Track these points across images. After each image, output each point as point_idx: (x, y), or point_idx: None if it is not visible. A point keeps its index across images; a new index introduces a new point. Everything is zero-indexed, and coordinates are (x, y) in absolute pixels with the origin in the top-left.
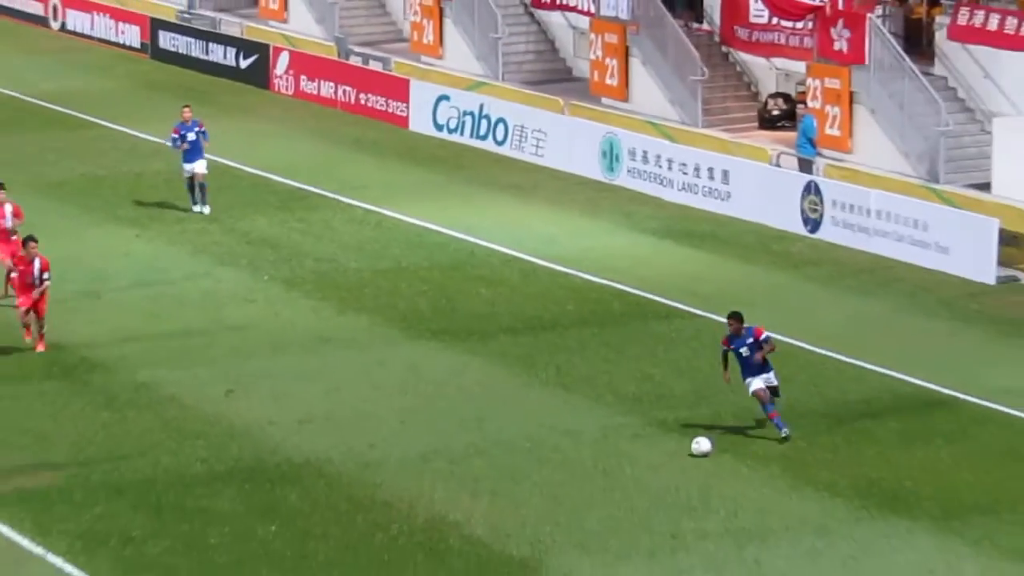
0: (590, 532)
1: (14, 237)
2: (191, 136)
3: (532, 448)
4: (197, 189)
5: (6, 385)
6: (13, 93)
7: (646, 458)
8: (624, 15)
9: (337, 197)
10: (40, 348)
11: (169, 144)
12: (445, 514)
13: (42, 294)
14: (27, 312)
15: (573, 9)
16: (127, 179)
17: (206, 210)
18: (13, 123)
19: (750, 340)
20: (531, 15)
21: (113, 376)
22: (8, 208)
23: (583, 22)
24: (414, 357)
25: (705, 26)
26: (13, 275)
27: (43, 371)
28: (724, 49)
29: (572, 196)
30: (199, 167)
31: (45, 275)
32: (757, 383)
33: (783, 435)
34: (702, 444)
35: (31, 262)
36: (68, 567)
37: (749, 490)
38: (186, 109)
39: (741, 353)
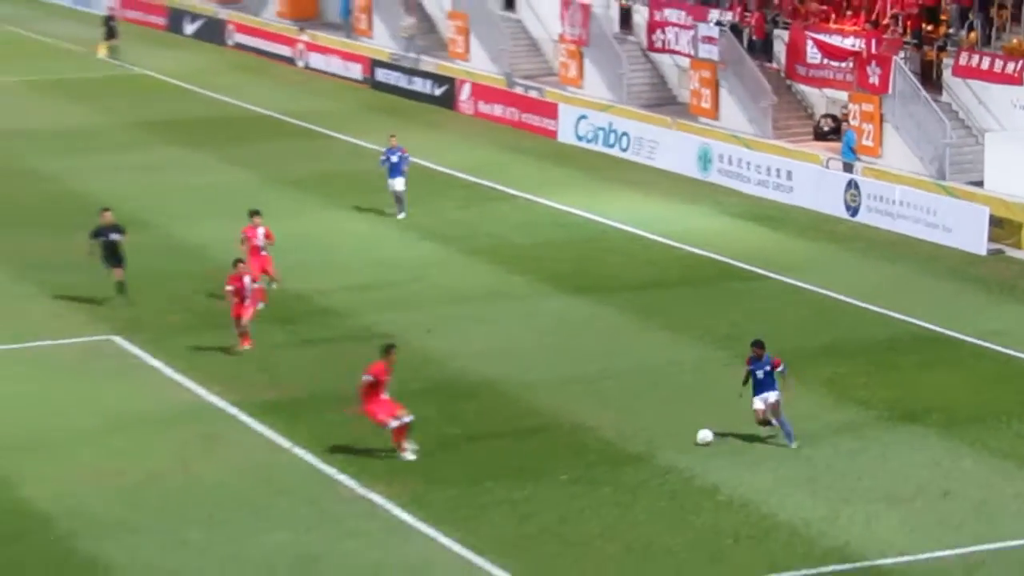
0: (689, 436)
1: (263, 253)
2: (394, 159)
3: (648, 377)
4: (399, 200)
5: (260, 325)
6: (269, 112)
7: (731, 383)
8: (715, 57)
9: (505, 189)
10: (246, 345)
11: (380, 161)
12: (583, 421)
13: (253, 302)
14: (240, 320)
15: (678, 52)
16: (350, 175)
17: (402, 215)
18: (268, 134)
19: (768, 367)
20: (647, 56)
21: (342, 320)
22: (261, 231)
23: (685, 62)
24: (560, 307)
25: (774, 65)
26: (229, 288)
27: (289, 317)
28: (788, 82)
29: (677, 189)
30: (399, 184)
31: (253, 283)
32: (758, 403)
33: (791, 444)
34: (705, 435)
35: (242, 278)
36: (308, 456)
37: (805, 405)
38: (392, 138)
39: (757, 375)
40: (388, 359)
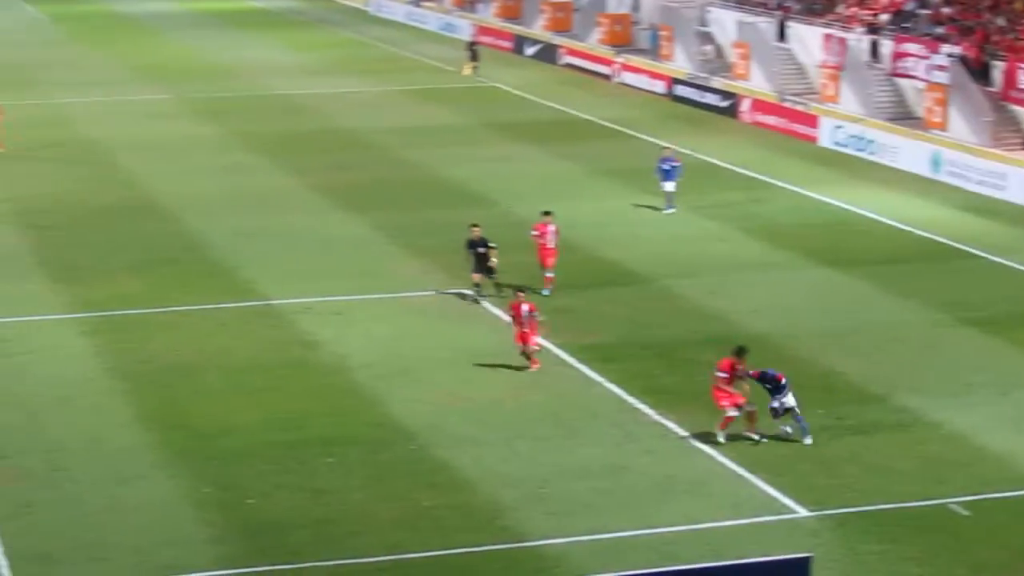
0: (920, 382)
1: (550, 247)
2: (665, 167)
3: (886, 333)
4: (669, 198)
5: (572, 280)
6: (590, 118)
7: (954, 339)
8: (945, 81)
9: (775, 182)
10: (535, 367)
11: (655, 169)
12: (833, 367)
13: (532, 327)
14: (525, 345)
15: (915, 77)
16: (646, 170)
17: (669, 211)
18: (588, 135)
19: (770, 382)
20: (891, 81)
21: (645, 282)
22: (552, 228)
23: (920, 84)
24: (817, 276)
25: (992, 88)
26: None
27: (605, 280)
28: (1002, 102)
29: (913, 186)
30: (669, 187)
31: (535, 314)
32: (785, 401)
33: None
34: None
35: (520, 307)
36: (616, 389)
37: (1014, 361)
38: (666, 149)
39: (767, 387)
40: (737, 359)
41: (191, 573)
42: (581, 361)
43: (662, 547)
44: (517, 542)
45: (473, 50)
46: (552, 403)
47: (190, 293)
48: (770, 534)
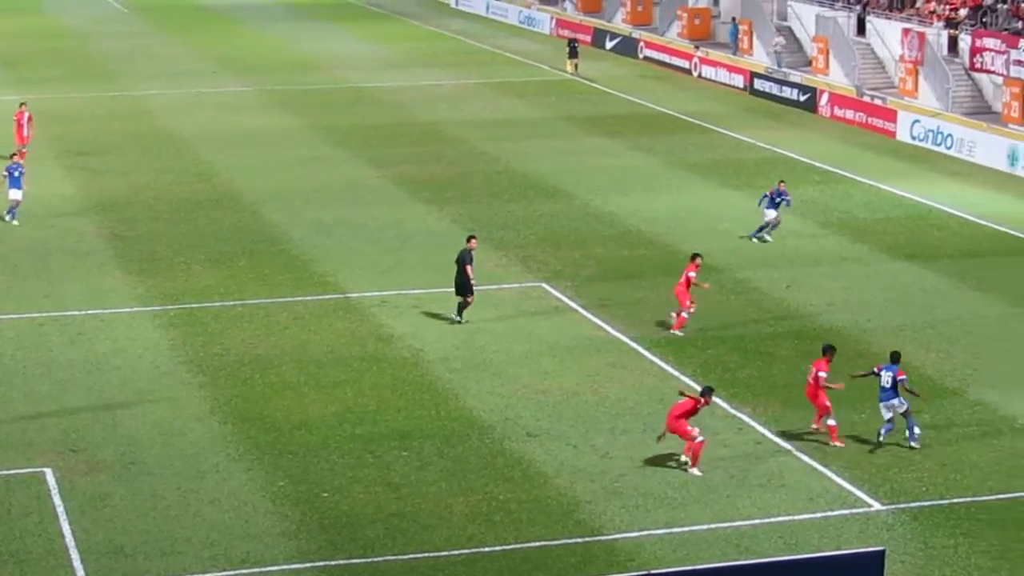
0: (995, 376)
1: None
2: (777, 200)
3: (961, 327)
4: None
5: (653, 278)
6: (669, 111)
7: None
8: None
9: (853, 176)
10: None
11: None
12: (909, 361)
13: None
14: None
15: (993, 72)
16: (732, 162)
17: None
18: (668, 128)
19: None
20: (968, 75)
21: (721, 274)
22: (692, 274)
23: (999, 79)
24: (894, 269)
25: None
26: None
27: (678, 271)
28: None
29: (990, 180)
30: (771, 215)
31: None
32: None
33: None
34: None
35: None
36: (692, 383)
37: None
38: (782, 183)
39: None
40: (827, 358)
41: (266, 567)
42: (656, 355)
43: (737, 540)
44: (592, 536)
45: (573, 47)
46: (628, 396)
47: (267, 286)
48: (844, 528)
